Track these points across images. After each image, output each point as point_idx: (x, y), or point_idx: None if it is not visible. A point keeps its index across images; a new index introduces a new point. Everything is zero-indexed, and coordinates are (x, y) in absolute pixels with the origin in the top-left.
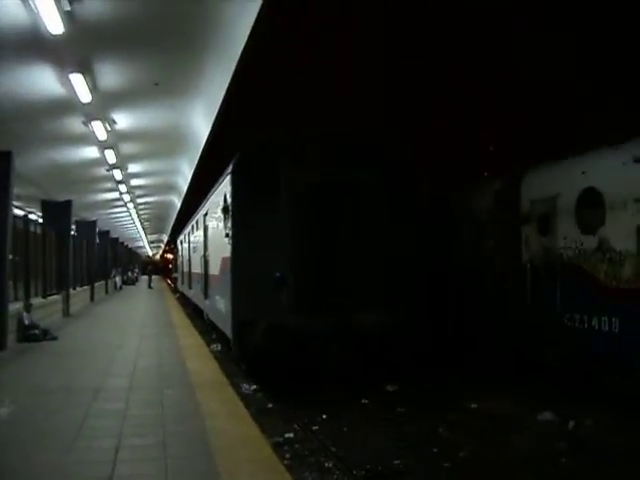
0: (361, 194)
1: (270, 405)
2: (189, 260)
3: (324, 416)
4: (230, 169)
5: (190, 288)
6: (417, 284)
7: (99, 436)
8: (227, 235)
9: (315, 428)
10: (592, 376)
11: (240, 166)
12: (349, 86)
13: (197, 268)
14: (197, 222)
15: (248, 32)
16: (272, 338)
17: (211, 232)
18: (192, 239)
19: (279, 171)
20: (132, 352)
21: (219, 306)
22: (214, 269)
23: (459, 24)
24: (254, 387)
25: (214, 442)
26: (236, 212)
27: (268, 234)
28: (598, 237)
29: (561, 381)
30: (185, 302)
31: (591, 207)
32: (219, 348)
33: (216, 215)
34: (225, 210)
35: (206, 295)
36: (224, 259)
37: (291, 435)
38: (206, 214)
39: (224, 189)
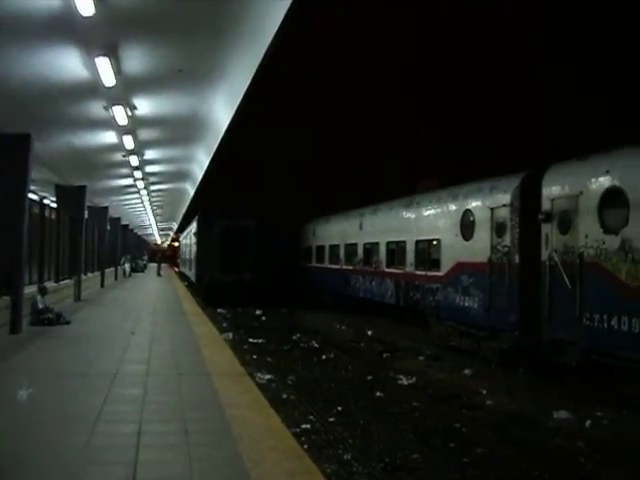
0: (247, 229)
1: (285, 395)
2: (184, 252)
3: (339, 408)
4: (196, 219)
5: (185, 266)
6: (270, 263)
7: (120, 421)
8: (195, 243)
9: (331, 420)
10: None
11: (200, 217)
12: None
13: (187, 256)
14: (187, 233)
15: (279, 21)
16: (211, 283)
17: (191, 240)
18: (185, 241)
19: (214, 220)
20: (146, 338)
21: (193, 271)
22: (192, 256)
23: None
24: (268, 377)
25: (236, 430)
26: (199, 234)
27: (210, 243)
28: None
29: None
30: (183, 278)
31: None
32: (231, 337)
33: (192, 234)
34: (195, 233)
35: (190, 268)
36: (195, 252)
37: (308, 426)
38: (190, 231)
39: (194, 224)
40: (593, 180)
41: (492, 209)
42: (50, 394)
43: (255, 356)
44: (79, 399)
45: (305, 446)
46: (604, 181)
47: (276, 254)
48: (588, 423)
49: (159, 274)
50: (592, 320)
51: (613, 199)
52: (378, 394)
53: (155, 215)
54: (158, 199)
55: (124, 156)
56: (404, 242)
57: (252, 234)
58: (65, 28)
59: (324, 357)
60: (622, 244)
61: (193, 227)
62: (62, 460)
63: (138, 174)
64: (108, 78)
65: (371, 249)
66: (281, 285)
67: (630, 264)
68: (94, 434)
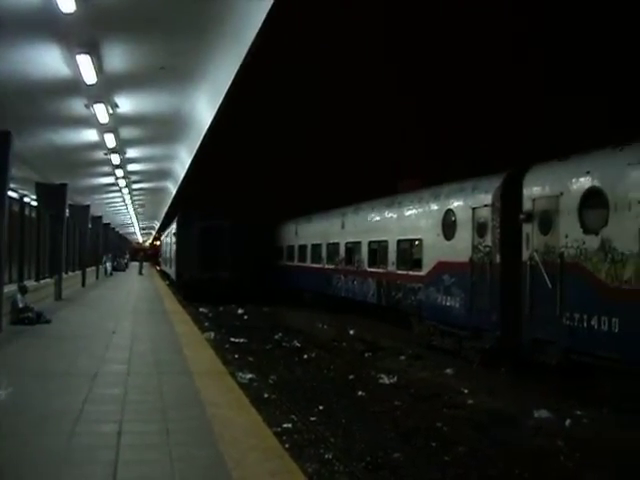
0: (224, 229)
1: (266, 395)
2: (165, 250)
3: (321, 407)
4: (176, 219)
5: (165, 265)
6: (246, 261)
7: (100, 421)
8: (175, 242)
9: (313, 419)
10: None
11: (180, 218)
12: None
13: (168, 255)
14: (168, 233)
15: (262, 18)
16: (190, 280)
17: (171, 239)
18: (166, 240)
19: (193, 221)
20: (127, 338)
21: (173, 269)
22: (172, 255)
23: None
24: (249, 376)
25: (217, 430)
26: (178, 234)
27: (189, 243)
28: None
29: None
30: (165, 276)
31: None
32: (212, 336)
33: (172, 234)
34: (174, 234)
35: (170, 266)
36: (174, 251)
37: (289, 425)
38: (170, 231)
39: (174, 225)
40: (574, 181)
41: (474, 209)
42: (30, 393)
43: (237, 355)
44: (59, 398)
45: (286, 445)
46: (584, 182)
47: (253, 253)
48: (568, 422)
49: (141, 273)
50: (572, 320)
51: (593, 199)
52: (360, 393)
53: (137, 214)
54: (140, 198)
55: (106, 154)
56: (386, 242)
57: (229, 234)
58: (46, 25)
59: (306, 356)
60: (602, 244)
61: (173, 227)
62: (42, 460)
63: (120, 172)
64: (89, 76)
65: (353, 248)
66: (258, 283)
67: (610, 264)
68: (74, 434)
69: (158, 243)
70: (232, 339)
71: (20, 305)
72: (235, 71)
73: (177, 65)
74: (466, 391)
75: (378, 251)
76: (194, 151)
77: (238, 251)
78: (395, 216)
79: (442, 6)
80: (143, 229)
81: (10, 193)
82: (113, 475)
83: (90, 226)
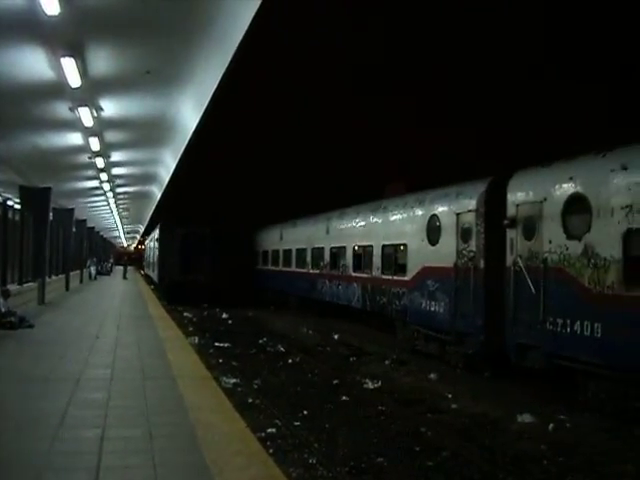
0: (204, 236)
1: (250, 399)
2: (149, 255)
3: (305, 412)
4: (159, 226)
5: (149, 269)
6: (223, 265)
7: (83, 426)
8: (158, 248)
9: (297, 424)
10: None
11: (162, 225)
12: None
13: (151, 259)
14: (151, 238)
15: (248, 23)
16: (171, 283)
17: (154, 245)
18: (150, 245)
19: (174, 228)
20: (111, 342)
21: (156, 273)
22: (155, 259)
23: None
24: (234, 381)
25: (201, 435)
26: (160, 240)
27: (170, 248)
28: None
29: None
30: (149, 280)
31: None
32: (197, 341)
33: (155, 239)
34: (157, 240)
35: (153, 270)
36: (157, 256)
37: (273, 430)
38: (153, 237)
39: (157, 231)
40: (557, 187)
41: (458, 214)
42: (12, 399)
43: (221, 360)
44: (42, 404)
45: (270, 450)
46: (567, 187)
47: (232, 257)
48: (551, 426)
49: (125, 277)
50: (555, 325)
51: (576, 205)
52: (344, 398)
53: (121, 218)
54: (124, 202)
55: (90, 158)
56: (371, 246)
57: (208, 240)
58: (30, 27)
59: (290, 361)
60: (585, 250)
61: (156, 233)
62: (24, 465)
63: (104, 176)
64: (74, 79)
65: (338, 253)
66: (237, 285)
67: (592, 269)
68: (57, 439)
69: (142, 247)
70: (216, 344)
71: (2, 309)
72: (221, 74)
73: (163, 68)
74: (450, 396)
75: (363, 256)
76: (179, 155)
77: (216, 255)
78: (380, 221)
79: (440, 9)
80: (127, 233)
81: None
82: None
83: (74, 230)
